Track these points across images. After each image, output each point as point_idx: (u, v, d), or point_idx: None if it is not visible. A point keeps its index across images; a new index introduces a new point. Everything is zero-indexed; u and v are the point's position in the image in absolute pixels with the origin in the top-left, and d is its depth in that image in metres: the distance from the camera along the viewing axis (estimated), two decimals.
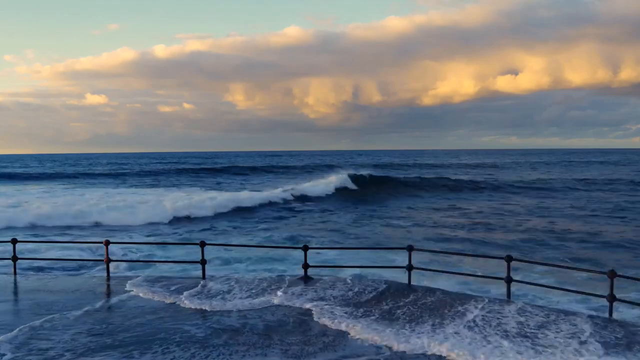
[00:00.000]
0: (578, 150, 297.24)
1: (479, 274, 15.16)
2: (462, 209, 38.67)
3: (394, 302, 11.27)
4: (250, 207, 38.92)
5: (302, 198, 44.44)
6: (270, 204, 40.81)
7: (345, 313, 10.54)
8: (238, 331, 9.60)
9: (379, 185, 52.78)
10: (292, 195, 44.46)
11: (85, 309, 10.95)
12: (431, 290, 12.20)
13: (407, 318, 10.23)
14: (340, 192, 48.03)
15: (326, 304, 11.14)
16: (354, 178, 52.55)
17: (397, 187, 52.85)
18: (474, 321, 9.88)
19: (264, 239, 26.23)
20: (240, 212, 37.30)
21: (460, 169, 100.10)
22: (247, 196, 41.83)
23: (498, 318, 10.03)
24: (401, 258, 17.76)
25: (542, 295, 14.77)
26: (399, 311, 10.66)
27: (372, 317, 10.31)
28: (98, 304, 11.32)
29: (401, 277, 13.44)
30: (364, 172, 57.86)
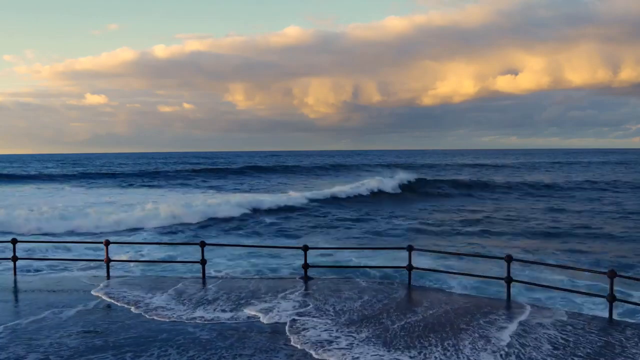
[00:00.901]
0: (592, 151, 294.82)
1: (479, 274, 15.12)
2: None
3: (400, 314, 10.22)
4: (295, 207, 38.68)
5: (342, 199, 43.60)
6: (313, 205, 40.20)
7: (339, 330, 9.23)
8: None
9: (422, 188, 51.12)
10: (332, 196, 43.74)
11: (78, 308, 10.83)
12: (448, 295, 12.13)
13: (421, 342, 8.70)
14: (381, 194, 46.82)
15: (317, 319, 9.90)
16: (395, 181, 50.94)
17: (449, 189, 51.48)
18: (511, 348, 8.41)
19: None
20: (287, 212, 37.02)
21: (506, 169, 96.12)
22: (289, 197, 41.66)
23: (536, 336, 8.88)
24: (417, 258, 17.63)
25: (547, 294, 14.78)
26: (397, 326, 9.47)
27: (369, 339, 8.86)
28: (92, 304, 11.21)
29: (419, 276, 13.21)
30: (404, 176, 55.54)
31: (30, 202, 40.09)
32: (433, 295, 11.81)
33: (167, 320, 10.18)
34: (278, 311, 10.52)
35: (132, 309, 10.90)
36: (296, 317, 10.08)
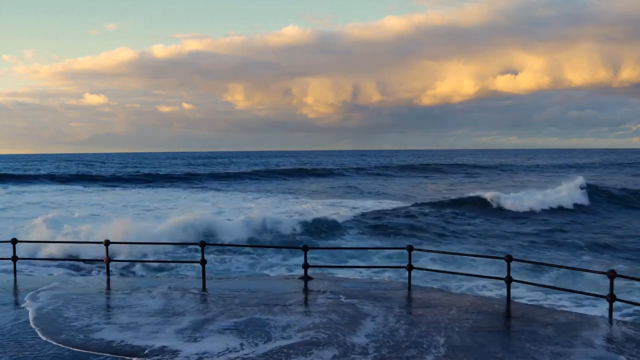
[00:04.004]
0: (602, 151, 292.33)
1: (478, 273, 15.15)
2: None
3: (407, 340, 8.41)
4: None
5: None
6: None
7: None
8: None
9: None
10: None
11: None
12: (450, 296, 12.00)
13: None
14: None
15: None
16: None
17: None
18: None
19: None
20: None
21: None
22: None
23: None
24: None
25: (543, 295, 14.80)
26: None
27: None
28: (22, 314, 10.48)
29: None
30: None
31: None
32: (435, 297, 11.78)
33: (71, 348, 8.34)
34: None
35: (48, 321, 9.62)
36: None
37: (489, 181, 68.78)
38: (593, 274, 14.01)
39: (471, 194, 40.42)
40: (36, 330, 9.33)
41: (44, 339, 8.85)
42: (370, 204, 40.15)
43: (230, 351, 8.13)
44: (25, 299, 11.45)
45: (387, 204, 40.05)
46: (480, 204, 37.58)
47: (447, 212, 35.13)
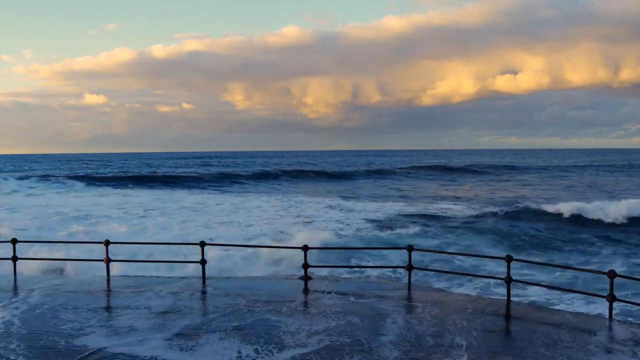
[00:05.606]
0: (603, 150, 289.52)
1: (478, 273, 15.17)
2: None
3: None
4: None
5: None
6: None
7: None
8: None
9: None
10: None
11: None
12: (450, 295, 12.02)
13: None
14: None
15: None
16: None
17: None
18: None
19: None
20: None
21: None
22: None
23: None
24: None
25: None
26: None
27: None
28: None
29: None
30: None
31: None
32: (436, 297, 11.79)
33: None
34: None
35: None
36: None
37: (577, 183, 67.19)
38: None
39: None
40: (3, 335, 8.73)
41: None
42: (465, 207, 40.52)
43: None
44: (14, 299, 11.34)
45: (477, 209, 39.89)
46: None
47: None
